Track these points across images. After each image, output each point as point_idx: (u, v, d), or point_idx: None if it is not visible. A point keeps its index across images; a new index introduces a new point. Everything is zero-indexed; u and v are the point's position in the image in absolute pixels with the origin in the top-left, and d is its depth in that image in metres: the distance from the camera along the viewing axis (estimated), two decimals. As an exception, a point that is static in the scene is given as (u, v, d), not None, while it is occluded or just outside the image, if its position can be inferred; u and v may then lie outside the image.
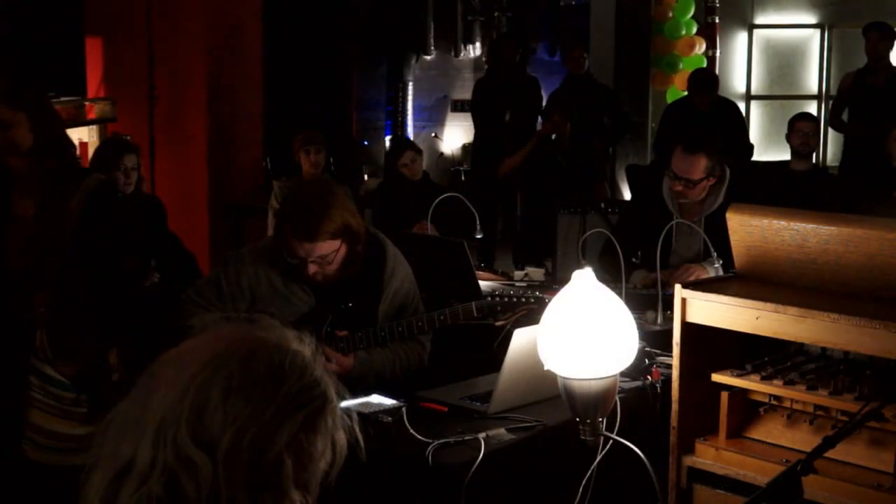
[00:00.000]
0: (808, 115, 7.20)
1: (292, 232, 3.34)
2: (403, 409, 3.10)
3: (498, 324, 3.92)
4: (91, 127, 6.71)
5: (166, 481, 1.26)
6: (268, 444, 1.29)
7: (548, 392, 3.08)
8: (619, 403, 2.81)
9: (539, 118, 8.11)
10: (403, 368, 3.50)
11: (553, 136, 7.09)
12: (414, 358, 3.54)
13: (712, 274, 4.25)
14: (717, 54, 9.58)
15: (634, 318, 2.62)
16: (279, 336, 1.39)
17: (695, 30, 9.48)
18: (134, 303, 3.94)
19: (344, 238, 3.36)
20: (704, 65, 9.39)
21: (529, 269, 5.23)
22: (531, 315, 3.53)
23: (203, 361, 1.32)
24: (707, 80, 7.88)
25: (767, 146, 9.21)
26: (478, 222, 5.12)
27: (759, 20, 9.77)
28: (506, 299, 3.47)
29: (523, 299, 3.48)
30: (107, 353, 3.49)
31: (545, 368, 2.59)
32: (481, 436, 2.92)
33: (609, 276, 4.25)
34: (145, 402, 1.31)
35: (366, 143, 9.83)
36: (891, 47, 7.61)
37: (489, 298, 3.53)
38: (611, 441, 2.72)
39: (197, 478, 1.26)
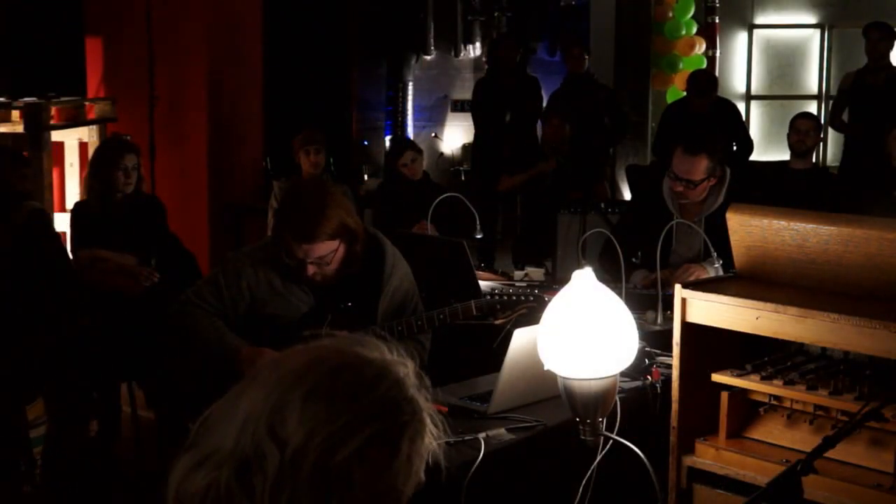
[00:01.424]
0: (809, 114, 7.20)
1: (290, 234, 3.34)
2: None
3: (497, 322, 3.91)
4: (91, 127, 6.71)
5: (237, 469, 1.29)
6: (336, 448, 1.29)
7: (548, 392, 3.08)
8: (619, 403, 2.81)
9: (539, 120, 8.11)
10: None
11: (554, 153, 7.09)
12: (414, 357, 3.53)
13: (712, 274, 4.25)
14: (717, 54, 9.58)
15: (634, 318, 2.62)
16: (379, 356, 1.40)
17: (695, 30, 9.49)
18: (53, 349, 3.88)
19: (342, 238, 3.36)
20: (704, 65, 9.39)
21: (529, 269, 5.23)
22: (531, 314, 3.53)
23: (296, 366, 1.34)
24: (705, 82, 7.88)
25: (767, 146, 9.21)
26: (478, 222, 5.12)
27: (759, 20, 9.77)
28: (505, 298, 3.47)
29: (522, 298, 3.48)
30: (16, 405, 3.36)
31: (545, 368, 2.59)
32: (481, 436, 2.92)
33: (609, 276, 4.26)
34: (239, 398, 1.34)
35: (366, 143, 9.83)
36: (891, 47, 7.62)
37: (488, 297, 3.53)
38: (611, 441, 2.72)
39: (265, 470, 1.28)
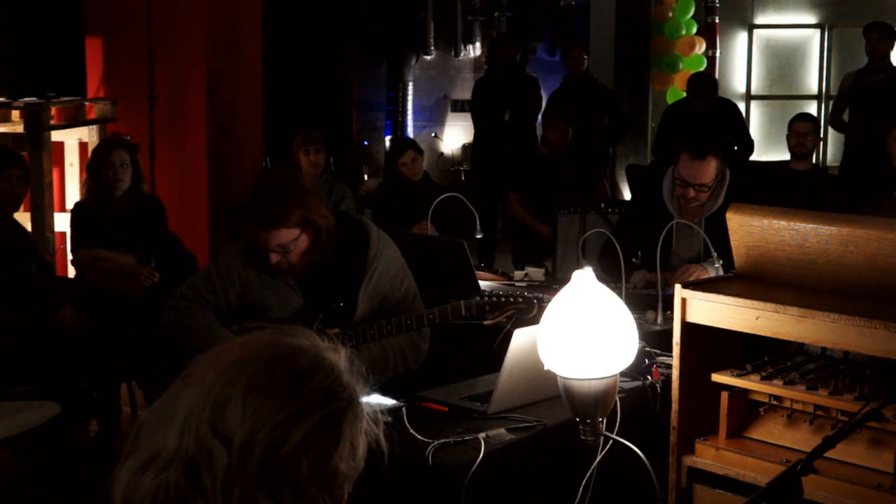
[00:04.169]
0: (807, 115, 7.18)
1: (250, 219, 3.42)
2: (403, 409, 3.10)
3: (486, 323, 3.90)
4: (91, 127, 6.71)
5: (185, 469, 1.30)
6: (282, 440, 1.31)
7: (548, 392, 3.08)
8: (619, 403, 2.81)
9: (539, 120, 8.10)
10: (396, 356, 3.50)
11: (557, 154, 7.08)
12: (407, 344, 3.53)
13: (712, 274, 4.25)
14: (717, 54, 9.58)
15: (634, 318, 2.62)
16: (311, 344, 1.42)
17: (695, 30, 9.48)
18: None
19: (303, 227, 3.40)
20: (704, 65, 9.39)
21: (529, 269, 5.23)
22: (529, 315, 3.52)
23: (231, 361, 1.36)
24: (706, 84, 7.88)
25: (767, 146, 9.21)
26: (478, 222, 5.12)
27: (759, 20, 9.77)
28: (494, 299, 3.46)
29: (511, 299, 3.47)
30: None
31: (545, 368, 2.59)
32: (481, 436, 2.92)
33: (609, 276, 4.25)
34: (176, 398, 1.35)
35: (366, 143, 9.83)
36: (891, 47, 7.62)
37: (478, 298, 3.52)
38: (611, 441, 2.72)
39: (213, 468, 1.29)
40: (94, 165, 5.28)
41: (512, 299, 3.45)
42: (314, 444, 1.33)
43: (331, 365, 1.39)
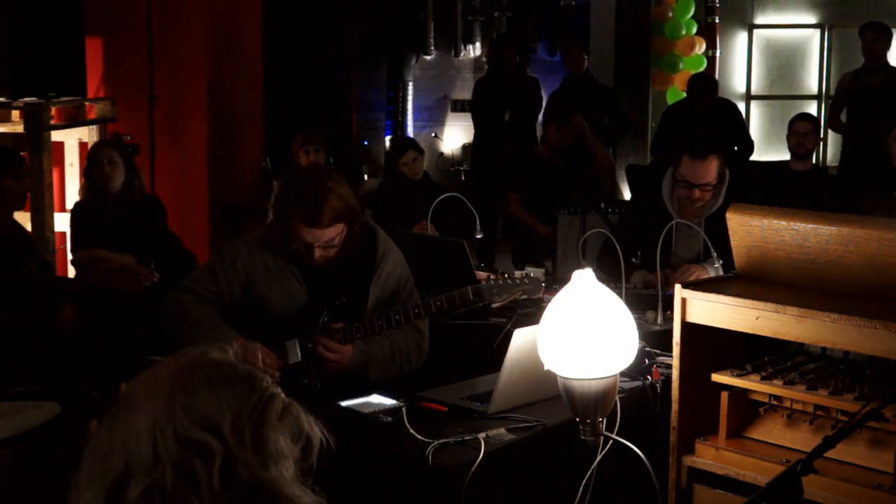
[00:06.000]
0: (807, 115, 7.18)
1: (301, 219, 3.33)
2: (403, 409, 3.11)
3: (495, 306, 3.90)
4: (91, 127, 6.72)
5: (175, 468, 1.36)
6: (262, 416, 1.43)
7: (548, 392, 3.08)
8: (619, 403, 2.81)
9: (539, 121, 8.10)
10: (403, 355, 3.50)
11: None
12: (412, 343, 3.53)
13: (712, 274, 4.25)
14: (717, 54, 9.58)
15: (634, 318, 2.62)
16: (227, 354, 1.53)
17: (695, 30, 9.48)
18: None
19: (347, 220, 3.38)
20: (704, 65, 9.39)
21: (529, 269, 5.23)
22: (528, 294, 3.54)
23: (174, 374, 1.45)
24: (706, 84, 7.87)
25: (767, 146, 9.21)
26: (478, 222, 5.12)
27: (759, 20, 9.77)
28: (500, 281, 3.47)
29: (518, 281, 3.48)
30: None
31: (545, 368, 2.59)
32: (481, 436, 2.92)
33: (608, 276, 4.25)
34: (125, 422, 1.41)
35: (366, 143, 9.83)
36: (887, 47, 7.61)
37: (483, 282, 3.53)
38: (611, 441, 2.72)
39: (209, 458, 1.37)
40: (88, 166, 5.33)
41: (518, 280, 3.47)
42: (285, 414, 1.45)
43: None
